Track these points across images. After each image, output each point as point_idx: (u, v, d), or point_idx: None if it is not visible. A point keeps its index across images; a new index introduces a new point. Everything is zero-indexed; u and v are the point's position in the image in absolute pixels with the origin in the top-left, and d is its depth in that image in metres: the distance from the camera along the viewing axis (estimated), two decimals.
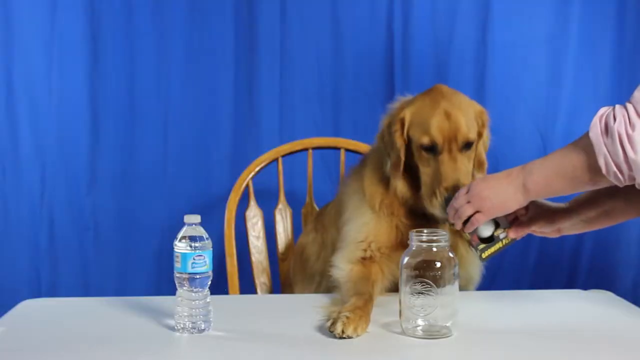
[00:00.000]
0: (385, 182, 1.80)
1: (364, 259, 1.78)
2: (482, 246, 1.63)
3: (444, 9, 2.70)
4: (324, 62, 2.72)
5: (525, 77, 2.72)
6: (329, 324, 1.46)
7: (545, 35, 2.71)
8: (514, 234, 1.63)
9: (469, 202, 1.57)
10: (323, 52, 2.72)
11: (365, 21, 2.71)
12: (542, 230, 1.68)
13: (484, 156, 1.79)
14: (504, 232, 1.63)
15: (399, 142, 1.74)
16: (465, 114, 1.71)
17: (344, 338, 1.43)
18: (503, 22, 2.69)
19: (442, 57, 2.71)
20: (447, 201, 1.64)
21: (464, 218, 1.58)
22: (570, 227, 1.68)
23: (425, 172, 1.71)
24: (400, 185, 1.76)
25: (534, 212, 1.65)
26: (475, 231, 1.61)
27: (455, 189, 1.64)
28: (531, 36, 2.71)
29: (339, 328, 1.43)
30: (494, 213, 1.56)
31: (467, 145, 1.70)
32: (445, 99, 1.71)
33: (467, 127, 1.70)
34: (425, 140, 1.69)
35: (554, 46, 2.71)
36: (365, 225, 1.80)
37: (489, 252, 1.62)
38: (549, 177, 1.47)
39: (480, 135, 1.76)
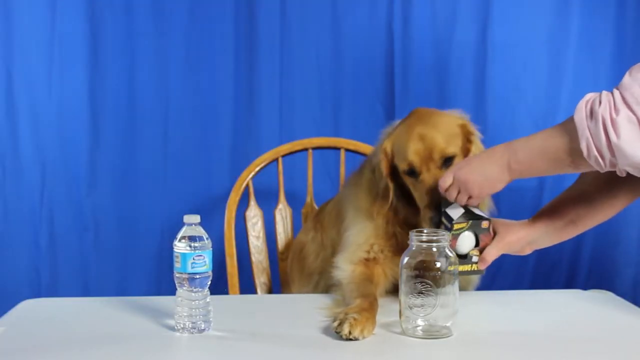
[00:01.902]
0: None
1: (367, 260, 1.78)
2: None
3: (444, 9, 2.70)
4: (324, 62, 2.72)
5: (525, 77, 2.72)
6: (335, 324, 1.45)
7: (545, 35, 2.71)
8: (481, 265, 1.63)
9: (452, 183, 1.58)
10: (323, 52, 2.72)
11: (365, 21, 2.71)
12: (513, 250, 1.67)
13: None
14: (477, 256, 1.63)
15: (385, 173, 1.76)
16: (442, 130, 1.71)
17: (351, 340, 1.43)
18: (503, 22, 2.70)
19: (442, 57, 2.71)
20: (432, 220, 1.66)
21: (452, 198, 1.59)
22: (539, 241, 1.69)
23: (416, 196, 1.72)
24: (400, 208, 1.77)
25: (501, 231, 1.65)
26: (456, 237, 1.60)
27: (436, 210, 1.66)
28: (531, 36, 2.71)
29: (345, 329, 1.43)
30: (484, 194, 1.57)
31: (447, 160, 1.70)
32: (420, 122, 1.73)
33: (445, 142, 1.69)
34: (404, 166, 1.71)
35: (554, 46, 2.71)
36: (366, 228, 1.80)
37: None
38: (533, 157, 1.48)
39: (468, 147, 1.75)
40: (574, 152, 1.40)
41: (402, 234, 1.75)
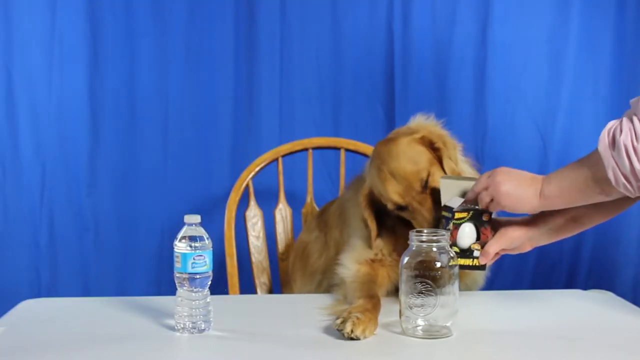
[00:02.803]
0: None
1: (373, 261, 1.78)
2: (456, 249, 1.60)
3: (444, 9, 2.70)
4: (324, 62, 2.72)
5: (525, 77, 2.72)
6: (338, 322, 1.45)
7: (545, 35, 2.71)
8: (483, 260, 1.63)
9: (487, 188, 1.58)
10: (323, 52, 2.72)
11: (365, 21, 2.71)
12: (513, 247, 1.67)
13: (457, 167, 1.76)
14: (479, 250, 1.62)
15: (367, 216, 1.78)
16: (407, 158, 1.72)
17: (352, 339, 1.43)
18: (503, 22, 2.69)
19: (442, 57, 2.71)
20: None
21: (484, 205, 1.59)
22: (539, 237, 1.68)
23: (415, 224, 1.73)
24: (400, 230, 1.77)
25: (503, 226, 1.65)
26: (457, 227, 1.59)
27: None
28: (531, 36, 2.71)
29: (348, 327, 1.43)
30: (503, 205, 1.56)
31: (426, 182, 1.71)
32: (385, 160, 1.74)
33: (415, 168, 1.71)
34: (391, 206, 1.73)
35: (554, 46, 2.71)
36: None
37: (458, 262, 1.59)
38: (564, 187, 1.50)
39: (437, 155, 1.75)
40: (603, 181, 1.43)
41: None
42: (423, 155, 1.73)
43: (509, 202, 1.55)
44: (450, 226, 1.59)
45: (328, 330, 1.49)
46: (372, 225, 1.78)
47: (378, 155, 1.77)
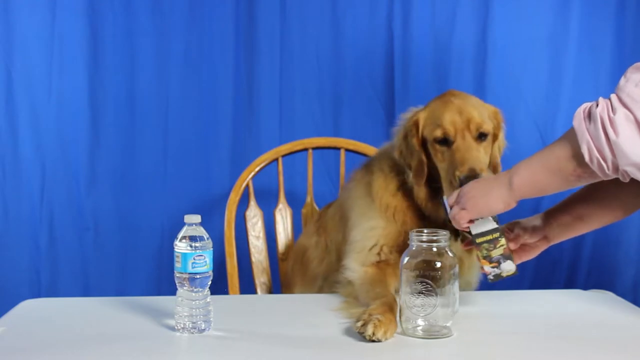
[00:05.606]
0: (402, 191, 1.79)
1: (378, 262, 1.77)
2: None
3: (444, 9, 2.70)
4: (324, 62, 2.72)
5: (525, 77, 2.72)
6: (359, 324, 1.44)
7: (545, 35, 2.71)
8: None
9: (458, 202, 1.56)
10: (323, 52, 2.72)
11: (365, 21, 2.71)
12: (535, 252, 1.68)
13: (498, 159, 1.78)
14: None
15: (417, 145, 1.74)
16: (477, 108, 1.73)
17: (373, 341, 1.42)
18: (503, 22, 2.69)
19: (442, 57, 2.71)
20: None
21: (453, 218, 1.57)
22: (553, 235, 1.68)
23: (443, 168, 1.70)
24: (421, 193, 1.75)
25: (524, 233, 1.66)
26: (493, 249, 1.57)
27: (470, 172, 1.61)
28: (531, 36, 2.71)
29: (369, 330, 1.42)
30: (477, 211, 1.53)
31: (482, 135, 1.70)
32: (457, 98, 1.74)
33: (481, 117, 1.71)
34: (438, 133, 1.69)
35: (554, 46, 2.71)
36: (374, 229, 1.79)
37: (501, 276, 1.60)
38: (535, 171, 1.46)
39: (495, 135, 1.76)
40: (576, 158, 1.38)
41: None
42: (491, 121, 1.75)
43: (478, 207, 1.53)
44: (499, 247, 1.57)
45: (328, 330, 1.50)
46: (424, 158, 1.73)
47: (451, 93, 1.77)
